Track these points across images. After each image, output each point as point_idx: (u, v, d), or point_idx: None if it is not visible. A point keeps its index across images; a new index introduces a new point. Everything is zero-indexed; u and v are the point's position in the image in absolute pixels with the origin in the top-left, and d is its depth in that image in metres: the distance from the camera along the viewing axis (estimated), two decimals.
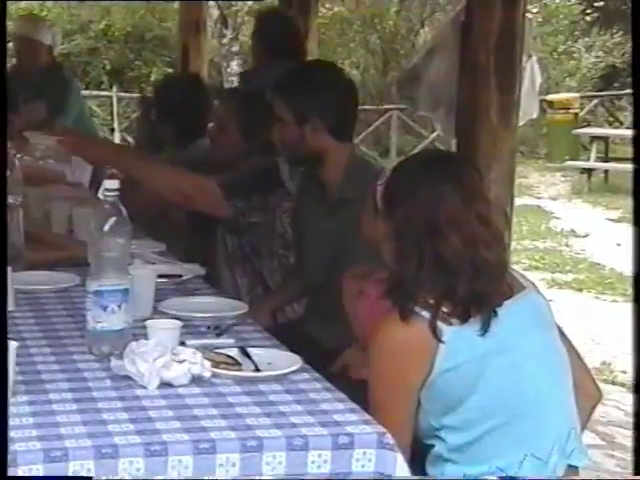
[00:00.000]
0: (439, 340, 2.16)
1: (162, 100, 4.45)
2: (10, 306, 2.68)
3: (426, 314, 2.17)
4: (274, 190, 3.57)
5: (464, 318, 2.18)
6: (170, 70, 13.93)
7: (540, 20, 16.84)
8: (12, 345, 2.07)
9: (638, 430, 2.14)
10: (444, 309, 2.17)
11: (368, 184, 3.04)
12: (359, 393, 2.22)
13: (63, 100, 5.83)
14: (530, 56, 4.38)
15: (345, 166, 3.16)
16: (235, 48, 18.05)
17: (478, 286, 2.18)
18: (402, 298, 2.18)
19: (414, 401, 2.21)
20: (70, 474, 1.83)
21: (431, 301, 2.18)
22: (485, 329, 2.18)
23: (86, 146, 3.70)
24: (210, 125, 4.26)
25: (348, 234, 3.09)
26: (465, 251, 2.19)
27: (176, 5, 10.34)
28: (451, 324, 2.17)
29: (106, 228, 2.34)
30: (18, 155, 3.62)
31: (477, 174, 2.33)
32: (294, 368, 2.27)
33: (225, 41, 17.86)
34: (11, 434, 1.88)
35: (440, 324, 2.16)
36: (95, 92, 18.19)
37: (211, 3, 7.55)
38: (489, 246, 2.22)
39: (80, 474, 1.84)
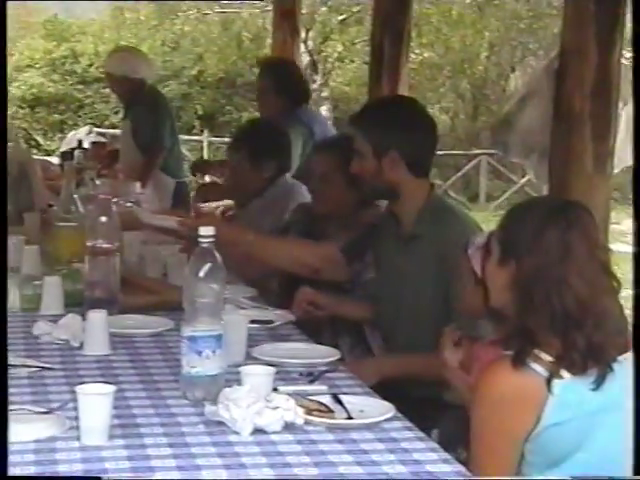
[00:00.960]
0: (550, 392, 2.12)
1: (251, 142, 4.50)
2: (106, 350, 2.72)
3: (539, 364, 2.13)
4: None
5: (579, 371, 2.12)
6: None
7: None
8: (110, 389, 2.11)
9: (638, 430, 2.11)
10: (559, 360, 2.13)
11: (444, 225, 3.05)
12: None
13: (158, 128, 5.96)
14: (626, 103, 4.34)
15: (421, 202, 3.15)
16: (325, 93, 18.21)
17: (598, 338, 2.13)
18: (521, 347, 2.14)
19: (517, 452, 2.17)
20: None
21: (546, 354, 2.13)
22: (599, 384, 2.12)
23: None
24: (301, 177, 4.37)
25: (415, 270, 3.09)
26: (589, 302, 2.15)
27: (267, 51, 10.47)
28: (562, 377, 2.13)
29: (201, 274, 2.36)
30: (114, 199, 3.68)
31: (595, 222, 2.30)
32: (387, 416, 2.26)
33: (315, 86, 18.01)
34: (109, 476, 1.91)
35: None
36: (187, 137, 18.49)
37: (302, 49, 7.62)
38: (612, 297, 2.18)
39: None
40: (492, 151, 13.63)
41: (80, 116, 18.82)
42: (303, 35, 7.51)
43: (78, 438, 2.08)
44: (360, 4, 17.36)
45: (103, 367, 2.63)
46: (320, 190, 3.81)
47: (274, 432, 2.16)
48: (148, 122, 5.93)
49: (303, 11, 8.08)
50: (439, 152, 3.46)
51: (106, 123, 17.70)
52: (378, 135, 3.13)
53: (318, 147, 4.10)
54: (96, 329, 2.73)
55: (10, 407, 2.21)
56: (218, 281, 2.37)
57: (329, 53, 18.85)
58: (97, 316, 2.74)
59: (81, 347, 2.75)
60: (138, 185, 5.70)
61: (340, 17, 18.45)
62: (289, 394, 2.27)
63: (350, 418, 2.26)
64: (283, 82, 5.22)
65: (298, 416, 2.19)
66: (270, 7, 9.50)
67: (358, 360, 3.13)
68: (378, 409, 2.31)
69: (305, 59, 16.68)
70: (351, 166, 3.24)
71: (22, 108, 18.77)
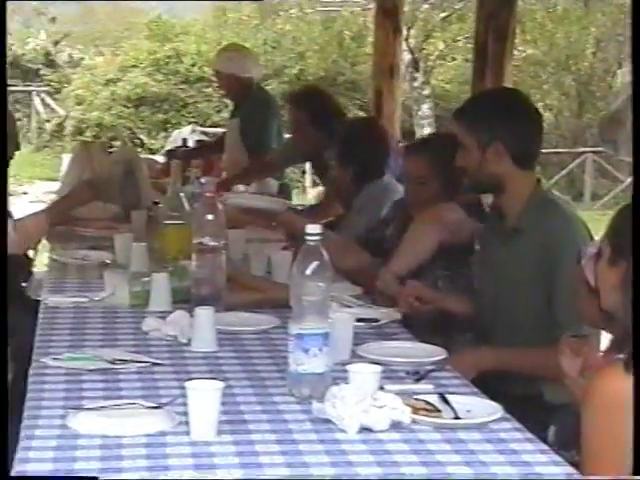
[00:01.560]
0: None
1: (343, 143, 4.52)
2: (213, 346, 2.75)
3: None
4: None
5: None
6: (361, 113, 14.07)
7: None
8: (219, 385, 2.13)
9: (637, 430, 2.07)
10: None
11: (549, 220, 3.00)
12: None
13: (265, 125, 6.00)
14: None
15: (526, 196, 3.11)
16: (426, 91, 18.11)
17: None
18: (632, 350, 2.10)
19: (628, 458, 2.13)
20: None
21: None
22: None
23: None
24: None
25: (518, 265, 3.05)
26: None
27: (369, 50, 10.47)
28: None
29: (308, 272, 2.37)
30: (220, 197, 3.72)
31: None
32: (495, 417, 2.24)
33: (416, 84, 17.94)
34: (217, 472, 1.93)
35: None
36: (288, 135, 18.54)
37: (403, 47, 7.58)
38: None
39: None
40: (598, 149, 13.40)
41: (183, 115, 19.05)
42: (405, 33, 7.46)
43: (187, 433, 2.11)
44: (462, 1, 17.24)
45: (210, 363, 2.65)
46: (414, 192, 3.81)
47: (381, 431, 2.16)
48: (257, 122, 5.97)
49: (405, 9, 8.03)
50: (543, 150, 3.40)
51: (208, 122, 17.88)
52: (482, 127, 3.10)
53: (412, 148, 4.06)
54: (204, 326, 2.76)
55: (121, 401, 2.26)
56: (325, 279, 2.37)
57: (430, 51, 18.74)
58: (205, 313, 2.77)
59: (189, 343, 2.78)
60: (241, 185, 5.76)
61: (442, 14, 18.34)
62: (395, 393, 2.26)
63: (457, 418, 2.25)
64: (319, 115, 5.21)
65: (405, 415, 2.19)
66: (372, 5, 9.47)
67: (456, 353, 3.12)
68: (485, 409, 2.29)
69: (406, 57, 16.61)
70: (456, 160, 3.21)
71: (127, 108, 19.06)
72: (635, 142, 2.75)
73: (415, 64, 18.01)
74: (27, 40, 23.98)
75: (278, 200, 4.83)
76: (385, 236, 4.03)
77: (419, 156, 3.79)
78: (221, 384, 2.14)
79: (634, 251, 2.37)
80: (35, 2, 28.33)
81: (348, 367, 2.34)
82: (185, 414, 2.14)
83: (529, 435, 2.19)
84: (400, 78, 7.78)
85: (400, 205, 4.05)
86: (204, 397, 2.10)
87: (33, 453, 2.01)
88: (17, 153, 4.54)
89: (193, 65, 19.02)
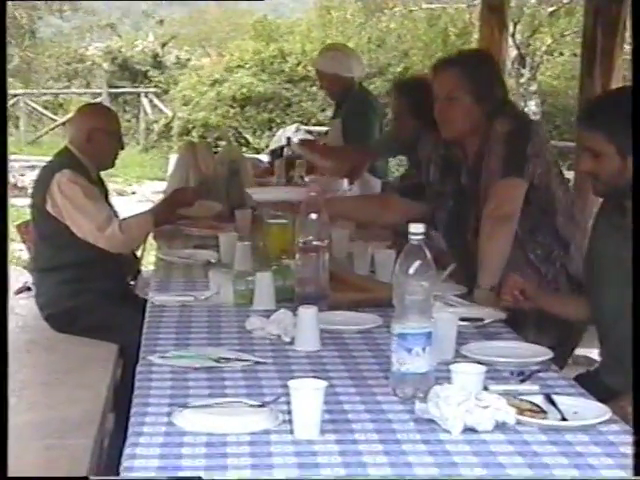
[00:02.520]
0: None
1: None
2: (317, 345, 2.75)
3: None
4: None
5: None
6: None
7: None
8: (322, 384, 2.13)
9: (637, 430, 2.02)
10: None
11: None
12: None
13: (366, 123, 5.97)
14: None
15: None
16: (533, 87, 17.89)
17: None
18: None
19: None
20: None
21: None
22: None
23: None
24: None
25: None
26: None
27: (474, 46, 10.37)
28: None
29: (411, 271, 2.36)
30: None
31: None
32: (603, 419, 2.19)
33: (523, 80, 17.73)
34: (320, 471, 1.94)
35: None
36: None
37: (509, 43, 7.50)
38: None
39: None
40: None
41: (288, 114, 19.17)
42: (511, 29, 7.38)
43: (291, 432, 2.11)
44: None
45: (313, 362, 2.66)
46: (445, 111, 3.58)
47: (485, 431, 2.13)
48: (358, 122, 5.95)
49: (511, 4, 7.95)
50: None
51: (313, 121, 17.95)
52: (622, 132, 2.85)
53: (438, 66, 3.71)
54: (307, 325, 2.76)
55: (225, 399, 2.28)
56: (428, 278, 2.36)
57: (537, 46, 18.50)
58: (308, 312, 2.78)
59: (292, 342, 2.79)
60: (346, 182, 5.75)
61: (550, 9, 18.08)
62: (500, 393, 2.24)
63: (564, 419, 2.21)
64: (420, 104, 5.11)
65: (510, 416, 2.16)
66: (477, 1, 9.40)
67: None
68: (593, 411, 2.25)
69: (512, 53, 16.44)
70: (581, 165, 3.04)
71: (232, 107, 19.26)
72: (635, 142, 2.66)
73: (522, 60, 17.81)
74: (135, 42, 24.41)
75: (300, 190, 4.72)
76: (421, 178, 3.85)
77: (446, 71, 3.60)
78: (324, 383, 2.14)
79: (634, 251, 2.31)
80: (144, 5, 28.81)
81: (451, 367, 2.32)
82: (288, 413, 2.15)
83: None
84: (506, 74, 7.72)
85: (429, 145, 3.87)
86: (307, 396, 2.11)
87: (140, 449, 2.04)
88: (124, 153, 4.62)
89: (298, 64, 19.12)
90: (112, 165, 4.53)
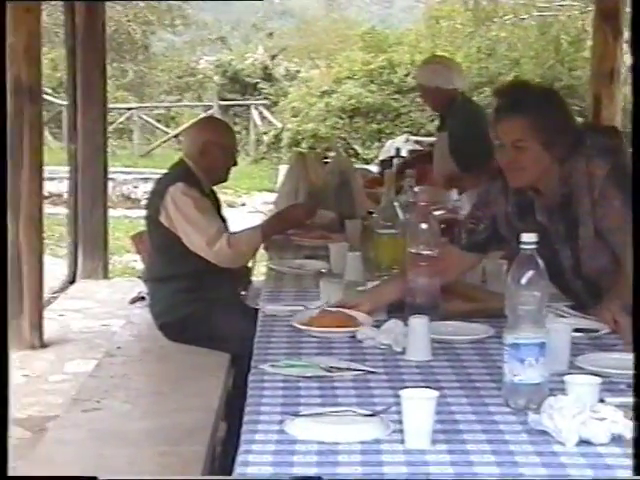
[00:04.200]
0: None
1: None
2: (428, 355, 2.74)
3: None
4: None
5: None
6: (579, 120, 13.75)
7: None
8: (433, 394, 2.12)
9: (638, 430, 1.97)
10: None
11: None
12: None
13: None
14: None
15: None
16: None
17: None
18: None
19: None
20: None
21: None
22: None
23: None
24: None
25: None
26: None
27: (587, 54, 10.23)
28: None
29: (523, 281, 2.33)
30: (433, 208, 3.71)
31: None
32: None
33: None
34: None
35: None
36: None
37: (625, 50, 7.36)
38: None
39: None
40: None
41: (397, 125, 19.16)
42: (626, 35, 7.24)
43: (402, 441, 2.11)
44: None
45: (424, 372, 2.65)
46: (513, 160, 3.24)
47: (600, 444, 2.10)
48: (464, 135, 5.89)
49: (627, 10, 7.80)
50: None
51: (422, 131, 17.91)
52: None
53: (501, 110, 3.31)
54: (418, 335, 2.76)
55: (337, 408, 2.29)
56: (540, 288, 2.33)
57: None
58: (419, 322, 2.77)
59: (403, 352, 2.79)
60: (455, 193, 5.72)
61: None
62: (616, 406, 2.20)
63: None
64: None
65: (627, 429, 2.12)
66: (590, 8, 9.25)
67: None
68: None
69: (628, 61, 16.13)
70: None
71: (341, 118, 19.34)
72: (635, 143, 2.56)
73: None
74: (245, 55, 24.70)
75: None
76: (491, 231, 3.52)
77: (511, 119, 3.22)
78: (435, 393, 2.13)
79: (634, 251, 2.22)
80: (254, 18, 29.14)
81: (566, 378, 2.29)
82: (399, 422, 2.15)
83: None
84: (621, 83, 7.57)
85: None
86: (419, 406, 2.10)
87: (253, 457, 2.06)
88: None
89: (407, 75, 19.10)
90: (225, 179, 4.56)
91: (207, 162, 4.40)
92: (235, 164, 4.54)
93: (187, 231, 4.27)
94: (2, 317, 2.16)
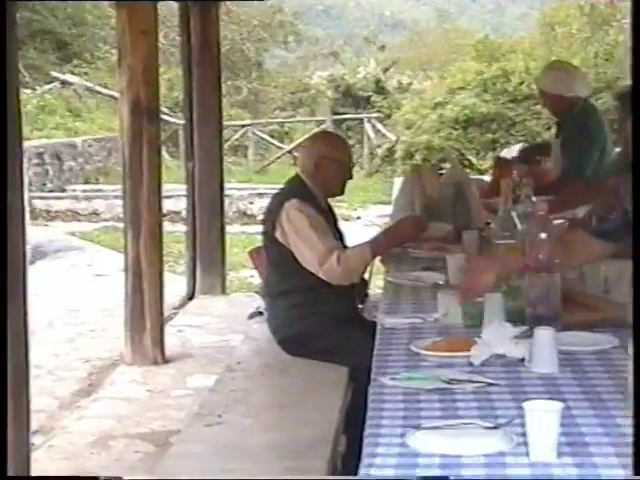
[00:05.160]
0: None
1: None
2: (554, 368, 2.69)
3: None
4: None
5: None
6: None
7: None
8: (557, 406, 2.08)
9: (637, 430, 1.88)
10: None
11: None
12: None
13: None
14: None
15: None
16: None
17: None
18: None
19: None
20: None
21: None
22: None
23: None
24: None
25: None
26: None
27: None
28: None
29: None
30: (552, 216, 3.65)
31: None
32: None
33: None
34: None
35: None
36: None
37: None
38: None
39: None
40: None
41: (512, 134, 18.98)
42: None
43: (527, 454, 2.08)
44: None
45: (547, 383, 2.61)
46: None
47: None
48: (576, 144, 5.79)
49: None
50: None
51: (538, 139, 17.70)
52: None
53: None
54: (543, 346, 2.70)
55: (458, 421, 2.26)
56: None
57: None
58: (545, 333, 2.72)
59: (522, 360, 2.74)
60: None
61: None
62: None
63: None
64: None
65: None
66: None
67: None
68: None
69: None
70: None
71: (455, 129, 19.25)
72: (635, 143, 2.44)
73: None
74: (358, 69, 24.80)
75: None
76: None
77: None
78: (560, 405, 2.10)
79: (634, 251, 2.13)
80: (366, 32, 29.23)
81: None
82: (523, 435, 2.12)
83: None
84: None
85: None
86: (543, 418, 2.07)
87: (374, 470, 2.06)
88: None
89: (521, 83, 18.93)
90: (341, 193, 4.56)
91: (322, 176, 4.42)
92: (350, 177, 4.54)
93: (300, 248, 4.28)
94: (2, 317, 2.19)
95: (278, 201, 4.41)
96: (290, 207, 4.31)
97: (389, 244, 4.43)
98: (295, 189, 4.45)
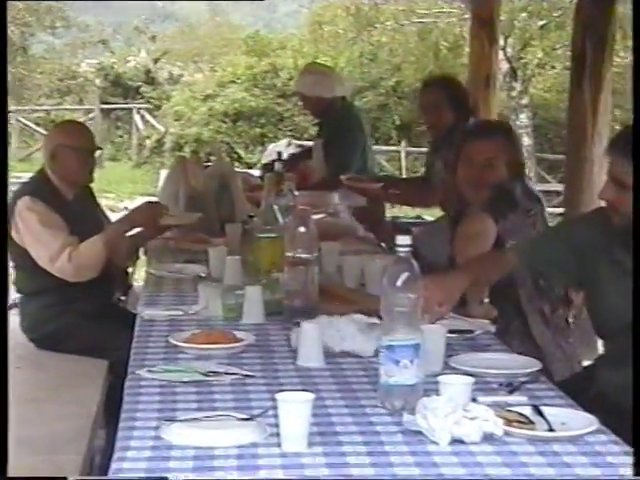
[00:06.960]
0: None
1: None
2: (320, 362, 2.73)
3: None
4: None
5: None
6: None
7: None
8: (309, 397, 2.13)
9: (637, 431, 2.05)
10: None
11: None
12: None
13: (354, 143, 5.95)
14: None
15: None
16: (524, 101, 17.93)
17: None
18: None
19: None
20: None
21: None
22: None
23: None
24: None
25: None
26: None
27: (465, 60, 10.41)
28: None
29: (398, 283, 2.35)
30: (314, 210, 3.72)
31: None
32: (590, 429, 2.19)
33: (514, 94, 17.78)
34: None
35: None
36: (384, 147, 18.55)
37: (501, 56, 7.50)
38: None
39: None
40: None
41: (280, 129, 19.21)
42: (502, 42, 7.36)
43: (279, 445, 2.11)
44: (561, 8, 17.03)
45: (302, 375, 2.65)
46: (479, 176, 3.76)
47: (473, 443, 2.13)
48: (339, 144, 5.92)
49: (502, 18, 7.95)
50: None
51: (305, 135, 17.99)
52: None
53: (479, 130, 4.11)
54: (309, 340, 2.72)
55: (214, 413, 2.27)
56: (415, 290, 2.36)
57: (529, 60, 18.56)
58: (310, 327, 2.72)
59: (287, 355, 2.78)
60: (336, 196, 5.75)
61: (540, 22, 18.14)
62: (488, 405, 2.24)
63: (551, 430, 2.21)
64: (455, 97, 5.25)
65: (497, 427, 2.16)
66: (468, 15, 9.41)
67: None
68: (581, 422, 2.24)
69: (504, 67, 16.48)
70: (602, 193, 2.84)
71: (224, 123, 19.29)
72: (635, 143, 2.63)
73: (513, 73, 17.86)
74: (128, 59, 24.45)
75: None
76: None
77: (489, 139, 3.77)
78: (311, 395, 2.14)
79: (634, 251, 2.26)
80: (136, 21, 28.84)
81: (439, 378, 2.32)
82: (276, 426, 2.15)
83: (626, 448, 2.14)
84: (497, 88, 7.71)
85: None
86: (294, 409, 2.10)
87: (127, 464, 2.04)
88: (116, 169, 4.54)
89: (290, 79, 19.16)
90: (90, 180, 4.42)
91: (62, 166, 4.26)
92: (95, 163, 4.40)
93: (33, 247, 4.12)
94: (2, 317, 2.10)
95: (13, 198, 4.20)
96: (22, 206, 4.14)
97: (121, 231, 4.28)
98: (32, 185, 4.30)
